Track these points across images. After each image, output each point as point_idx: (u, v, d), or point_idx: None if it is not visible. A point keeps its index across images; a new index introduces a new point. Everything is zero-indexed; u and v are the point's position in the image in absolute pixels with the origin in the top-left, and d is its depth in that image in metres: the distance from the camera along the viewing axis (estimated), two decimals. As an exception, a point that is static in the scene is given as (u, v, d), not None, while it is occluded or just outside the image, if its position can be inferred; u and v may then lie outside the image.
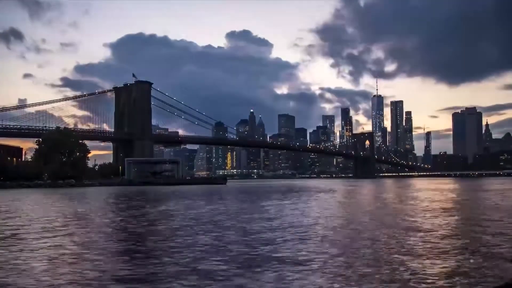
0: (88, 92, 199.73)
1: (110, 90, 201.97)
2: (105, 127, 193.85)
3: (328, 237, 16.69)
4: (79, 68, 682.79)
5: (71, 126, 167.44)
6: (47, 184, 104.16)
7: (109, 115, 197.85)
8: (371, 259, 12.19)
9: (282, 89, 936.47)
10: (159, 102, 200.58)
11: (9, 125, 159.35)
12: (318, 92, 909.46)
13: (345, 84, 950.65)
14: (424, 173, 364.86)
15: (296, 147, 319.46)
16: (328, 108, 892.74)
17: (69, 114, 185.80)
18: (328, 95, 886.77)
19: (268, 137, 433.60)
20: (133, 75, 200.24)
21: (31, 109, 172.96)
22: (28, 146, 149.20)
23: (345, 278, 10.00)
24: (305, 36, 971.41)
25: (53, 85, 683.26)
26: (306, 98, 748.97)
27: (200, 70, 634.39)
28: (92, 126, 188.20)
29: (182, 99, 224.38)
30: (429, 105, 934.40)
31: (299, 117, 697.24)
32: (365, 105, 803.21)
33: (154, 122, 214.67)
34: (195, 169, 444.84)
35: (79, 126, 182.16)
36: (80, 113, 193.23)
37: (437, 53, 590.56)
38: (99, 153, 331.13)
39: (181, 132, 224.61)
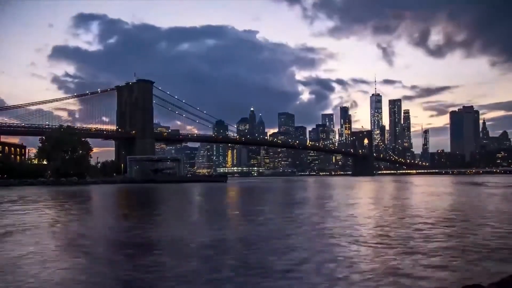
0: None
1: (112, 89, 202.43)
2: (107, 125, 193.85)
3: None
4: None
5: (74, 124, 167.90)
6: (50, 182, 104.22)
7: (111, 113, 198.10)
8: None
9: (298, 77, 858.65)
10: (160, 100, 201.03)
11: (13, 123, 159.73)
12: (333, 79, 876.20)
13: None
14: (422, 171, 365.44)
15: (296, 145, 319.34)
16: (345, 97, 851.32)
17: (71, 112, 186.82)
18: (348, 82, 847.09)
19: (268, 135, 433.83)
20: (134, 74, 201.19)
21: (33, 107, 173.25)
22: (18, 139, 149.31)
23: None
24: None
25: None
26: (322, 86, 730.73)
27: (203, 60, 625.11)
28: (94, 124, 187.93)
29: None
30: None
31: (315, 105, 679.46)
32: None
33: (155, 120, 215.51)
34: (196, 167, 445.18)
35: (81, 124, 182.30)
36: (82, 111, 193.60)
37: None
38: (101, 150, 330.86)
39: (188, 126, 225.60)
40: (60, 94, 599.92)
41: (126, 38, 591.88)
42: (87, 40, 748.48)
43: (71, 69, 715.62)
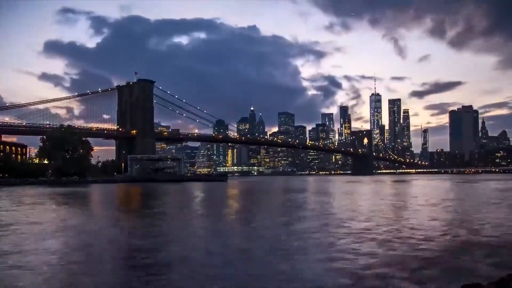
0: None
1: (112, 89, 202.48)
2: (108, 124, 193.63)
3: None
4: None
5: (75, 123, 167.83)
6: (51, 181, 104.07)
7: (111, 112, 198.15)
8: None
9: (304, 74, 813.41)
10: (160, 99, 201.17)
11: (14, 123, 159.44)
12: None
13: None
14: (422, 170, 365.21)
15: (296, 145, 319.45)
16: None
17: (73, 111, 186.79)
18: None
19: (268, 135, 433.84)
20: (135, 73, 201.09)
21: (35, 107, 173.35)
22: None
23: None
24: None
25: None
26: (328, 82, 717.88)
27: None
28: (95, 124, 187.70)
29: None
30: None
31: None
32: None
33: (156, 119, 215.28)
34: (196, 166, 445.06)
35: (83, 123, 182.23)
36: (84, 110, 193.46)
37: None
38: (102, 149, 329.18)
39: (188, 125, 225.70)
40: (56, 90, 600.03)
41: (117, 32, 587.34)
42: (78, 35, 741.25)
43: (63, 64, 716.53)
